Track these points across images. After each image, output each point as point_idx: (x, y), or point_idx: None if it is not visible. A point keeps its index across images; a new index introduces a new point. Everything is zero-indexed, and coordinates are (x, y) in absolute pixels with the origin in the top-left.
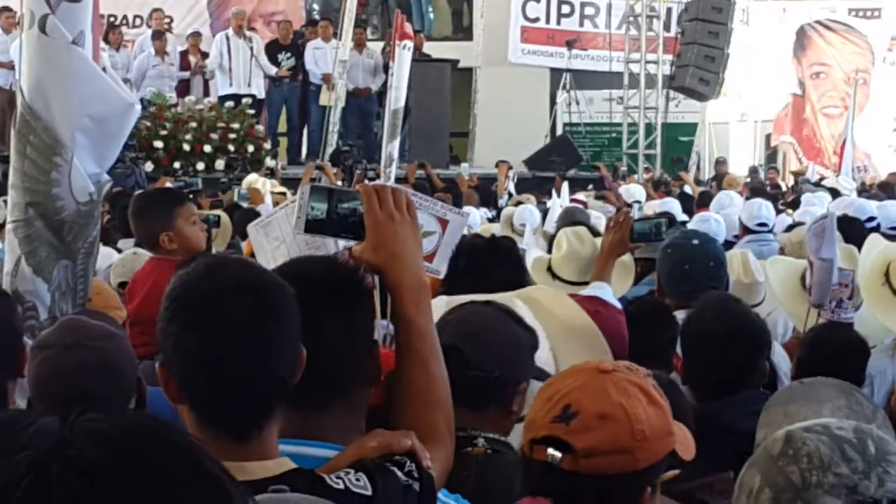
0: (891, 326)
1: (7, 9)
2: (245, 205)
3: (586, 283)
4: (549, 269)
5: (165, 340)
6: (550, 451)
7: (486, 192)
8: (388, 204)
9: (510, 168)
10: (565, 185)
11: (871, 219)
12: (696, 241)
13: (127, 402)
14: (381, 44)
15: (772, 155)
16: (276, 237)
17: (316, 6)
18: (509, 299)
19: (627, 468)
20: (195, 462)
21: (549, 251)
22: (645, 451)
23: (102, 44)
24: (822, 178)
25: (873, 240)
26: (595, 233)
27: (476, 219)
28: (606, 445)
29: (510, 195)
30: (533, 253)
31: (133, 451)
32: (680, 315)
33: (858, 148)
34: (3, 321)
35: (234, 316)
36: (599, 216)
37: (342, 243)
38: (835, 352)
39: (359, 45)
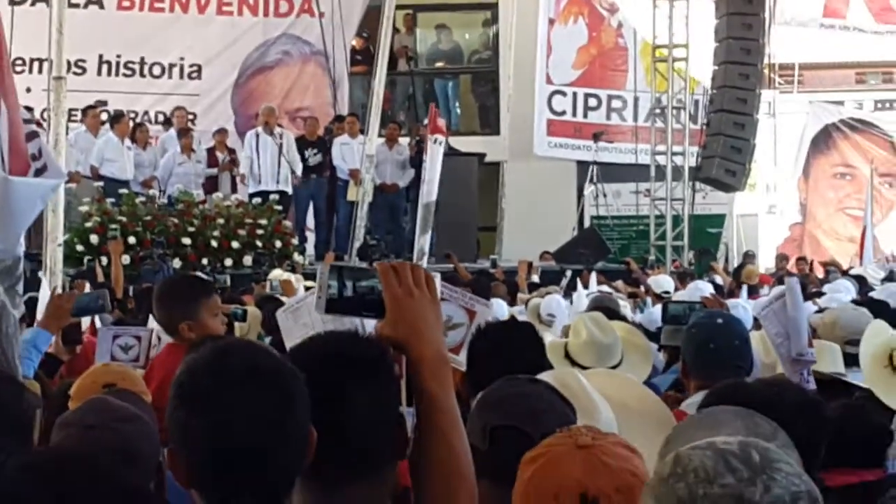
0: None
1: None
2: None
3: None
4: (567, 355)
5: (173, 427)
6: None
7: (512, 286)
8: (407, 280)
9: (531, 264)
10: (593, 276)
11: None
12: (720, 321)
13: (145, 486)
14: (408, 139)
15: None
16: (305, 323)
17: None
18: (574, 375)
19: None
20: (121, 489)
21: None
22: None
23: (128, 142)
24: (850, 268)
25: (877, 326)
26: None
27: (504, 310)
28: None
29: (535, 287)
30: (547, 337)
31: (58, 476)
32: (698, 397)
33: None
34: (9, 405)
35: (239, 406)
36: (626, 304)
37: (369, 324)
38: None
39: (390, 140)
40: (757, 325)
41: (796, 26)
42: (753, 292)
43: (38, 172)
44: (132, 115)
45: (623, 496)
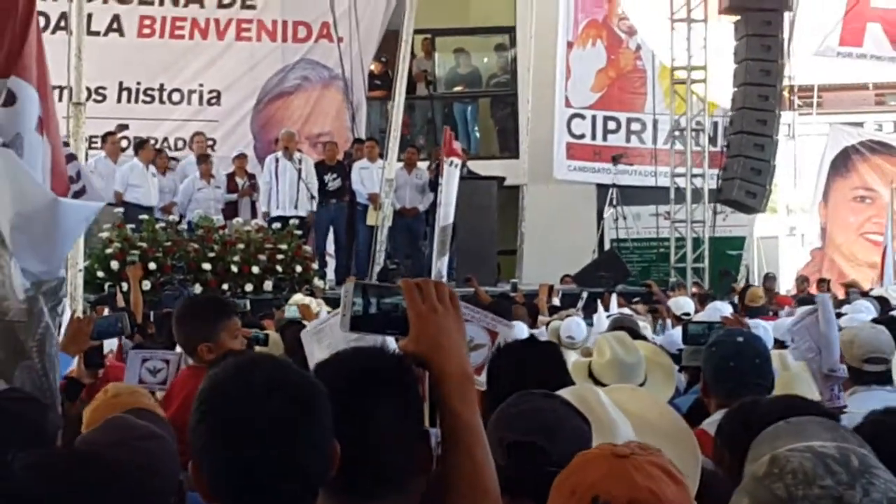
0: None
1: None
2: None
3: None
4: (591, 374)
5: (195, 439)
6: None
7: (533, 309)
8: (431, 297)
9: (552, 287)
10: (614, 298)
11: None
12: (740, 339)
13: (166, 503)
14: (427, 163)
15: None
16: (329, 344)
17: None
18: (593, 391)
19: None
20: (129, 490)
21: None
22: None
23: (153, 168)
24: (870, 290)
25: None
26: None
27: (525, 333)
28: None
29: (555, 310)
30: (571, 357)
31: (65, 475)
32: (718, 416)
33: None
34: (34, 424)
35: (261, 420)
36: (646, 325)
37: (392, 342)
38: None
39: (409, 164)
40: (777, 344)
41: (813, 56)
42: (757, 314)
43: (77, 195)
44: (152, 142)
45: None
